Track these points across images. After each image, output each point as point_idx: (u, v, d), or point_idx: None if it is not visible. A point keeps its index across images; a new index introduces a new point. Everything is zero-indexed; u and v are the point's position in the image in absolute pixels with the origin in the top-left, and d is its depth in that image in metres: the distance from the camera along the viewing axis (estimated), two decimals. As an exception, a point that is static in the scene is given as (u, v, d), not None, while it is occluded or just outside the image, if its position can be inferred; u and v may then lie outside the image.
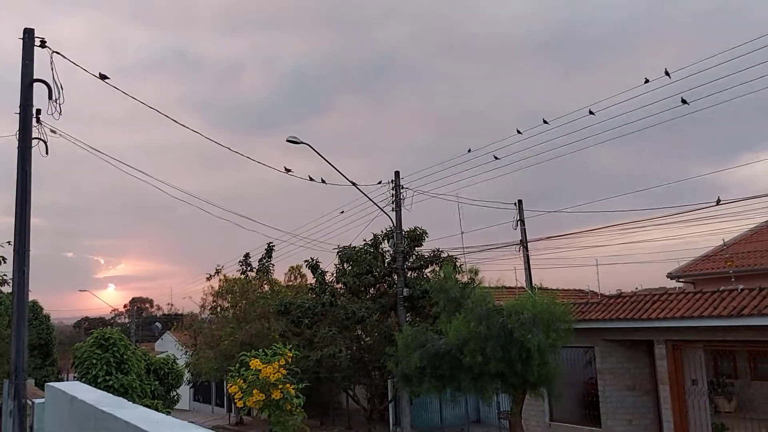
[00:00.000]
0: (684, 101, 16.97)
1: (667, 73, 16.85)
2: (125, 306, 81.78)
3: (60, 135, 12.46)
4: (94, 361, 17.15)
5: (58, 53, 11.95)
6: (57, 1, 57.39)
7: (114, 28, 59.14)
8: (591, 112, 19.16)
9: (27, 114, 11.43)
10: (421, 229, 24.14)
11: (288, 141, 21.18)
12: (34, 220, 11.88)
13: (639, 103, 18.83)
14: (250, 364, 10.10)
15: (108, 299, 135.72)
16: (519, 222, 25.10)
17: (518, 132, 21.26)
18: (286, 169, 20.97)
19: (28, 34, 11.59)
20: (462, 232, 23.08)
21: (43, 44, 11.77)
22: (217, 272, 32.34)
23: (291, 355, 10.35)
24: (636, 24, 52.34)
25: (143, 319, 79.96)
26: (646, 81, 17.21)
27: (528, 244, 25.07)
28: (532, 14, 54.80)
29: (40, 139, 11.77)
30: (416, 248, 24.05)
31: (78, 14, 57.11)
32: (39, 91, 12.02)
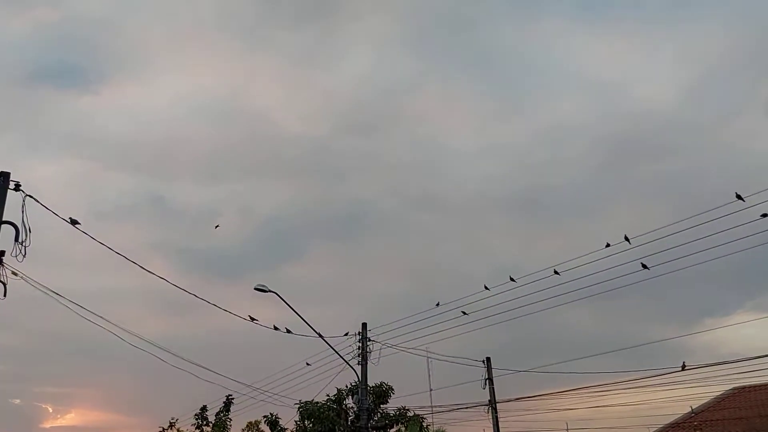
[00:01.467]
0: (644, 266, 17.51)
1: (626, 239, 17.54)
2: (68, 459, 75.54)
3: (21, 277, 12.23)
4: None
5: (31, 197, 12.11)
6: (40, 147, 59.03)
7: (94, 173, 60.39)
8: (556, 272, 19.57)
9: (-11, 255, 11.28)
10: (387, 385, 23.44)
11: (256, 289, 21.03)
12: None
13: (604, 264, 19.36)
14: None
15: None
16: (487, 381, 24.54)
17: (486, 288, 21.48)
18: (251, 317, 20.64)
19: (3, 177, 11.78)
20: (431, 389, 22.47)
21: (17, 187, 11.94)
22: (171, 425, 30.46)
23: None
24: (596, 188, 55.34)
25: (85, 474, 73.54)
26: (607, 245, 17.85)
27: (497, 404, 24.33)
28: (498, 174, 57.75)
29: (0, 281, 11.52)
30: (382, 405, 23.19)
31: (59, 161, 58.59)
32: (6, 232, 12.03)
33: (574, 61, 61.21)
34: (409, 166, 61.00)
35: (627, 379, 21.50)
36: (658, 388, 20.96)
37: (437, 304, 22.91)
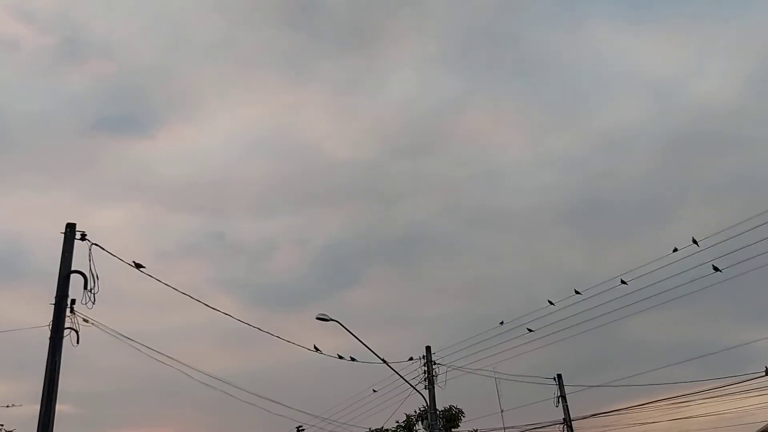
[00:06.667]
0: (716, 268, 16.74)
1: (694, 242, 16.82)
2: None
3: (92, 324, 12.62)
4: None
5: (96, 245, 12.52)
6: (103, 195, 61.51)
7: (156, 216, 62.42)
8: (623, 282, 18.94)
9: (61, 305, 11.71)
10: (456, 409, 23.06)
11: (318, 318, 21.10)
12: (59, 407, 11.67)
13: (673, 269, 18.61)
14: None
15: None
16: (560, 398, 23.80)
17: (550, 303, 20.97)
18: (315, 348, 20.70)
19: (70, 229, 12.23)
20: (501, 411, 21.92)
21: (83, 237, 12.37)
22: (244, 459, 30.71)
23: None
24: (660, 190, 53.32)
25: None
26: (675, 250, 17.17)
27: (572, 422, 23.53)
28: (556, 184, 56.37)
29: (72, 329, 11.91)
30: (453, 429, 22.77)
31: (122, 206, 60.84)
32: (75, 281, 12.46)
33: (625, 62, 59.76)
34: (463, 184, 60.53)
35: (708, 387, 20.46)
36: (743, 395, 19.88)
37: (501, 323, 22.49)
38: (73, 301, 11.97)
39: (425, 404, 22.37)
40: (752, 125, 52.17)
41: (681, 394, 21.93)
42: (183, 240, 60.40)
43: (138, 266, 13.50)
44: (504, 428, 21.75)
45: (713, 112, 53.12)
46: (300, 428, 29.59)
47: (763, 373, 18.47)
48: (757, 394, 19.75)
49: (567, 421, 23.51)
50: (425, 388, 22.46)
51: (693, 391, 21.88)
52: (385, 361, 21.66)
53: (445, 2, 63.93)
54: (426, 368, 22.87)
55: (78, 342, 12.22)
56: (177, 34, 63.11)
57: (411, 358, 23.24)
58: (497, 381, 22.58)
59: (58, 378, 11.46)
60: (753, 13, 57.99)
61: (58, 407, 11.36)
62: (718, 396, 20.93)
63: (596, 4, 63.48)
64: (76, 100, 61.81)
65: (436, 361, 22.92)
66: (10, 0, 55.87)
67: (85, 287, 11.99)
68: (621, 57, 60.23)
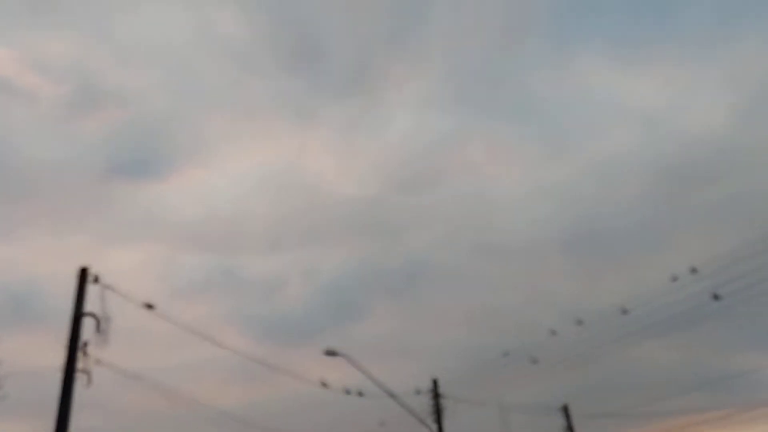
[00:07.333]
0: (716, 296, 16.96)
1: (693, 270, 17.08)
2: None
3: (104, 365, 12.93)
4: None
5: (109, 287, 12.92)
6: (117, 236, 62.45)
7: (168, 255, 63.34)
8: (624, 311, 19.14)
9: (74, 347, 12.03)
10: (464, 441, 22.97)
11: (325, 353, 21.30)
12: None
13: (672, 298, 18.81)
14: None
15: None
16: (567, 430, 23.77)
17: (553, 333, 21.13)
18: (322, 383, 20.89)
19: (83, 272, 12.64)
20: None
21: (96, 280, 12.77)
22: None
23: None
24: (655, 219, 53.86)
25: None
26: (674, 279, 17.42)
27: (580, 453, 23.49)
28: (552, 215, 57.20)
29: (84, 371, 12.22)
30: (461, 462, 22.70)
31: (135, 247, 61.73)
32: (88, 322, 12.81)
33: (614, 96, 61.08)
34: (462, 217, 61.41)
35: (718, 415, 20.51)
36: (759, 422, 19.89)
37: (505, 354, 22.61)
38: (85, 344, 12.31)
39: (433, 438, 22.35)
40: (741, 153, 52.87)
41: (691, 420, 21.97)
42: (195, 277, 61.12)
43: (149, 307, 13.88)
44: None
45: (702, 141, 53.96)
46: (309, 464, 29.50)
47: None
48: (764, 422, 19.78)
49: (575, 452, 23.48)
50: (434, 422, 22.49)
51: (702, 418, 21.91)
52: (394, 396, 21.77)
53: (440, 47, 66.14)
54: (434, 402, 22.92)
55: (90, 382, 12.53)
56: (187, 81, 65.01)
57: (418, 392, 23.31)
58: (503, 413, 22.63)
59: (68, 420, 11.71)
60: (740, 45, 59.10)
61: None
62: (731, 423, 20.93)
63: (585, 43, 65.29)
64: (90, 146, 63.27)
65: (443, 395, 22.99)
66: (28, 53, 57.77)
67: (98, 329, 12.34)
68: (610, 92, 61.75)
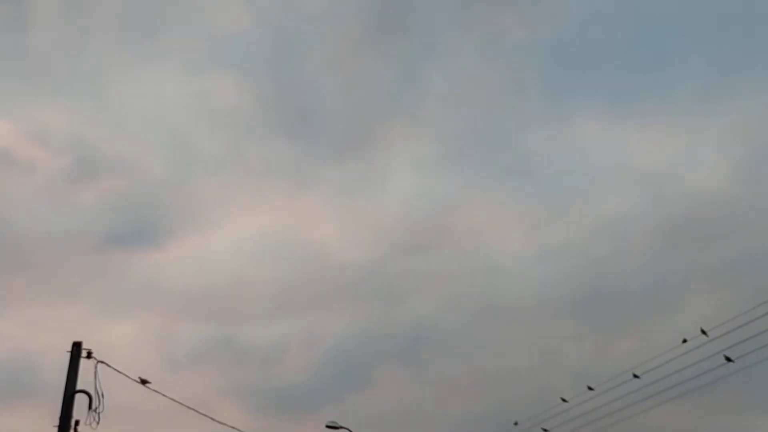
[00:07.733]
0: (728, 359, 16.50)
1: (703, 332, 16.70)
2: None
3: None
4: None
5: (103, 362, 12.54)
6: (112, 308, 61.92)
7: (165, 326, 62.57)
8: (635, 376, 18.63)
9: (65, 427, 11.58)
10: None
11: (327, 427, 20.63)
12: None
13: (684, 361, 18.31)
14: None
15: None
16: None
17: (563, 400, 20.49)
18: (326, 460, 20.09)
19: (76, 347, 12.29)
20: None
21: (89, 355, 12.41)
22: None
23: None
24: (663, 278, 53.29)
25: None
26: (684, 341, 17.01)
27: None
28: (557, 276, 56.68)
29: (75, 452, 11.73)
30: None
31: (131, 318, 61.13)
32: (81, 399, 12.36)
33: (614, 154, 61.30)
34: (466, 280, 60.64)
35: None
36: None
37: (515, 423, 21.85)
38: (77, 422, 11.86)
39: None
40: (746, 210, 52.67)
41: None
42: (193, 349, 59.95)
43: (144, 382, 13.47)
44: None
45: (706, 199, 53.79)
46: None
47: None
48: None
49: None
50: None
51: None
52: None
53: (438, 108, 67.30)
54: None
55: (81, 464, 12.01)
56: (184, 149, 65.76)
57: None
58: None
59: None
60: (739, 100, 60.00)
61: None
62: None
63: (582, 100, 66.18)
64: (88, 217, 63.30)
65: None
66: (29, 126, 58.90)
67: (90, 407, 11.91)
68: (610, 150, 62.08)
